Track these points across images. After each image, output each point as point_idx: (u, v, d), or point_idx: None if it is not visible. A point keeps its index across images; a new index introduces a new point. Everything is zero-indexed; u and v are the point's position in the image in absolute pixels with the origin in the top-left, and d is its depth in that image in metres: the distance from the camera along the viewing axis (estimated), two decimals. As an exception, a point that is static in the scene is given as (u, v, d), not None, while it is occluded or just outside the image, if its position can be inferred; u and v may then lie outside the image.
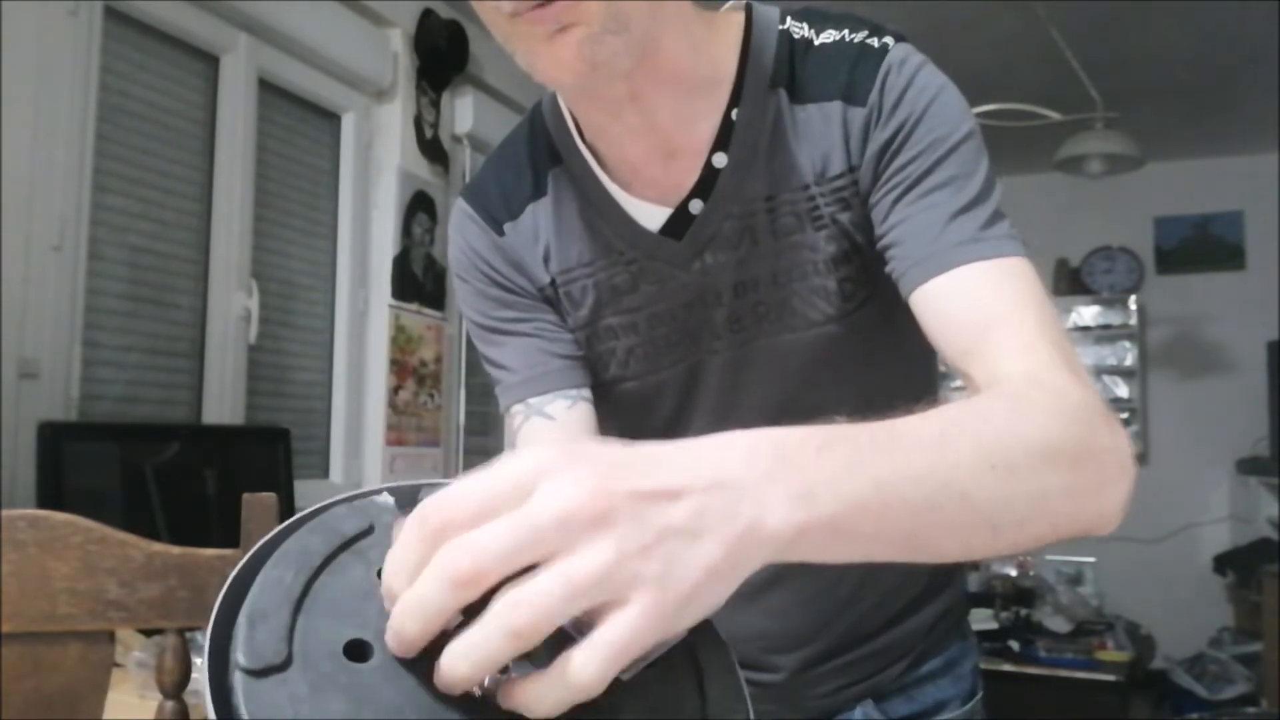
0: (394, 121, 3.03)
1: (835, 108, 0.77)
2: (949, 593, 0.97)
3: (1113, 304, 4.89)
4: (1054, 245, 4.94)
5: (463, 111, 3.32)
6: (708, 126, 0.79)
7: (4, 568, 0.85)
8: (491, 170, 0.89)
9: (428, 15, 3.09)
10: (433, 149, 3.15)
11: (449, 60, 3.14)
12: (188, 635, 0.95)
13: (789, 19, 0.81)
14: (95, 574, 0.87)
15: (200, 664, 0.45)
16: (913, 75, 0.76)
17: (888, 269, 0.76)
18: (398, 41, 3.02)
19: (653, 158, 0.79)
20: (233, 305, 2.49)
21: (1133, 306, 4.83)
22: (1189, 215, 4.87)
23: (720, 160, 0.79)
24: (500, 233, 0.86)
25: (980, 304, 0.69)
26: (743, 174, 0.79)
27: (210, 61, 2.49)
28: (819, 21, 0.80)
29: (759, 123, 0.78)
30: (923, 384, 0.88)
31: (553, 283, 0.85)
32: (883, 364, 0.84)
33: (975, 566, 4.73)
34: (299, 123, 2.80)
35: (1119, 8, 3.20)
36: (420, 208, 3.10)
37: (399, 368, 3.00)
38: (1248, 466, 4.51)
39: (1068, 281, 4.98)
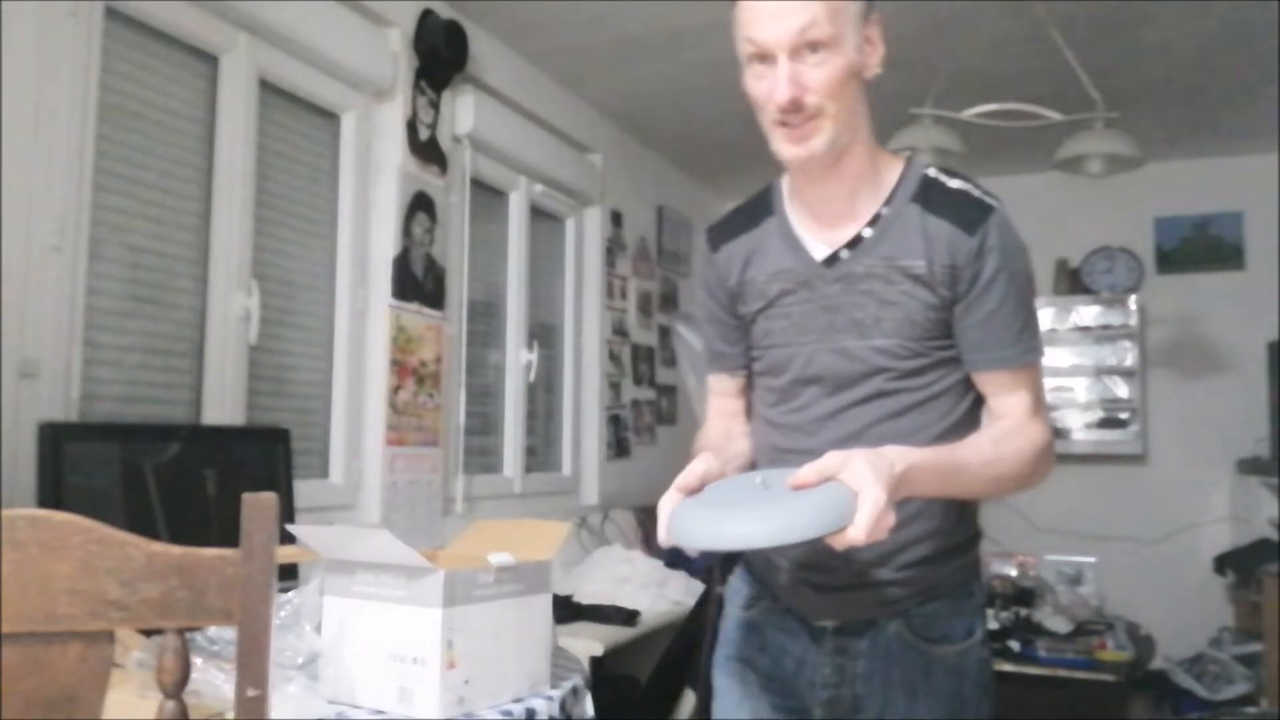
0: (394, 122, 3.03)
1: (951, 229, 1.31)
2: (969, 555, 1.43)
3: (1113, 304, 4.89)
4: (1054, 245, 4.93)
5: (463, 111, 3.31)
6: (866, 210, 1.35)
7: (4, 568, 0.85)
8: (733, 213, 1.49)
9: (427, 15, 3.09)
10: (429, 150, 3.15)
11: (448, 60, 3.14)
12: (187, 635, 0.94)
13: (932, 169, 1.38)
14: (95, 574, 0.87)
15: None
16: (1007, 230, 1.32)
17: (962, 349, 1.34)
18: (397, 41, 3.03)
19: (827, 216, 1.37)
20: (233, 305, 2.49)
21: (1133, 306, 4.83)
22: (1189, 215, 4.87)
23: (868, 233, 1.35)
24: (715, 250, 1.48)
25: (1016, 387, 1.35)
26: (879, 243, 1.34)
27: (210, 61, 2.49)
28: (951, 175, 1.37)
29: (900, 217, 1.34)
30: (939, 414, 1.40)
31: (740, 282, 1.44)
32: (913, 392, 1.36)
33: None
34: (299, 123, 2.80)
35: (1119, 8, 3.20)
36: (420, 208, 3.10)
37: (399, 368, 3.00)
38: (1248, 466, 4.51)
39: (1068, 281, 4.97)
